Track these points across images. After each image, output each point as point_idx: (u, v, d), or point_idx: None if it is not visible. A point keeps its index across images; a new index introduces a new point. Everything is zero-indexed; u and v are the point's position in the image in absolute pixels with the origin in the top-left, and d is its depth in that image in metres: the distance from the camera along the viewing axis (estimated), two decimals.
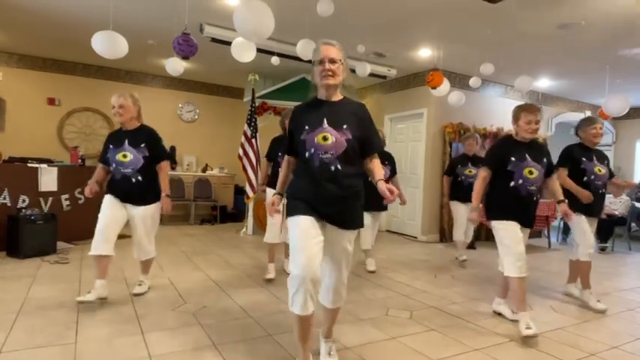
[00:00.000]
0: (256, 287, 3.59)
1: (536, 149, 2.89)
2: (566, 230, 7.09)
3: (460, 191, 4.74)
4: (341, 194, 1.93)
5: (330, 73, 1.95)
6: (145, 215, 3.09)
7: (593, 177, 3.37)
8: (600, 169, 3.40)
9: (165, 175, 3.14)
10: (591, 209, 3.38)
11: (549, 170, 2.92)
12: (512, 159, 2.83)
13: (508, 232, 2.80)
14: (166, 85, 7.90)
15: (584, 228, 3.39)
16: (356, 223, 2.04)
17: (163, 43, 5.46)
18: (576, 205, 3.29)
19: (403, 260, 5.05)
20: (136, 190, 3.02)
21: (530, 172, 2.80)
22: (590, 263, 3.45)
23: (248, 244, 5.67)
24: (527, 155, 2.83)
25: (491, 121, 7.07)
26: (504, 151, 2.89)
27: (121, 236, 3.09)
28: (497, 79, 6.87)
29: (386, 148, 4.29)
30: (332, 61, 1.96)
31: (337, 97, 2.05)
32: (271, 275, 3.79)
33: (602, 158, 3.48)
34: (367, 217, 4.35)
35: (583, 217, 3.38)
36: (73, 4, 4.52)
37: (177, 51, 3.81)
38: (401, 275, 4.26)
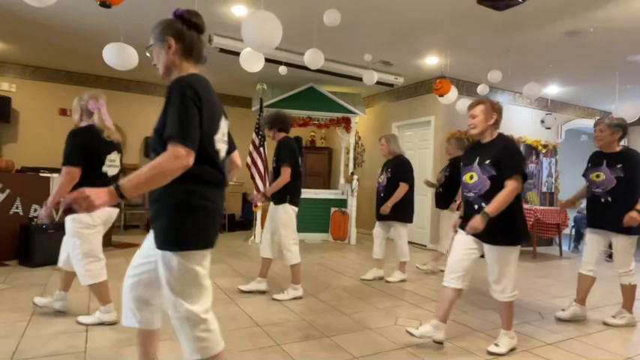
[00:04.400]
0: (264, 296, 3.58)
1: (485, 150, 2.55)
2: (577, 238, 6.98)
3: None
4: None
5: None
6: None
7: (588, 184, 3.21)
8: (598, 175, 3.11)
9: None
10: (590, 218, 3.22)
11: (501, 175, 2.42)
12: (462, 164, 2.67)
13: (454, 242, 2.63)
14: None
15: (588, 240, 3.24)
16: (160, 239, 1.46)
17: None
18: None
19: (412, 268, 5.00)
20: None
21: (470, 177, 2.53)
22: (585, 278, 3.23)
23: (256, 253, 5.65)
24: (476, 158, 2.54)
25: (499, 129, 7.01)
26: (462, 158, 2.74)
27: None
28: (506, 86, 6.84)
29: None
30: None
31: None
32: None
33: (614, 162, 3.06)
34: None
35: (589, 229, 3.24)
36: (84, 16, 4.62)
37: None
38: (410, 284, 4.22)
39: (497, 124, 2.58)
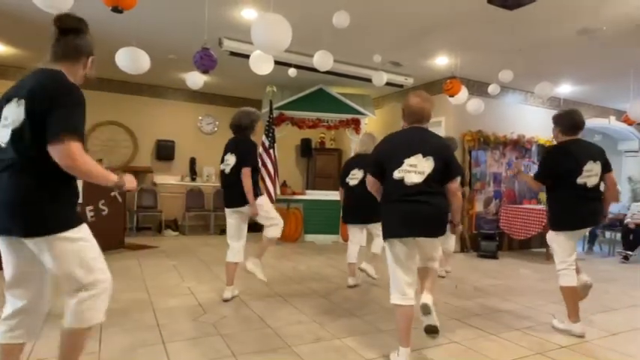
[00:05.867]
0: (275, 297, 3.59)
1: None
2: (592, 239, 6.88)
3: None
4: None
5: None
6: None
7: None
8: None
9: None
10: None
11: None
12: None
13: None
14: (187, 98, 8.05)
15: None
16: None
17: (183, 57, 5.59)
18: None
19: None
20: None
21: None
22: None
23: (267, 254, 5.66)
24: None
25: (511, 129, 6.96)
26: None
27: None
28: (517, 86, 6.77)
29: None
30: None
31: None
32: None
33: None
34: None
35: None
36: (97, 21, 4.67)
37: (197, 65, 3.89)
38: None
39: (405, 116, 2.48)
